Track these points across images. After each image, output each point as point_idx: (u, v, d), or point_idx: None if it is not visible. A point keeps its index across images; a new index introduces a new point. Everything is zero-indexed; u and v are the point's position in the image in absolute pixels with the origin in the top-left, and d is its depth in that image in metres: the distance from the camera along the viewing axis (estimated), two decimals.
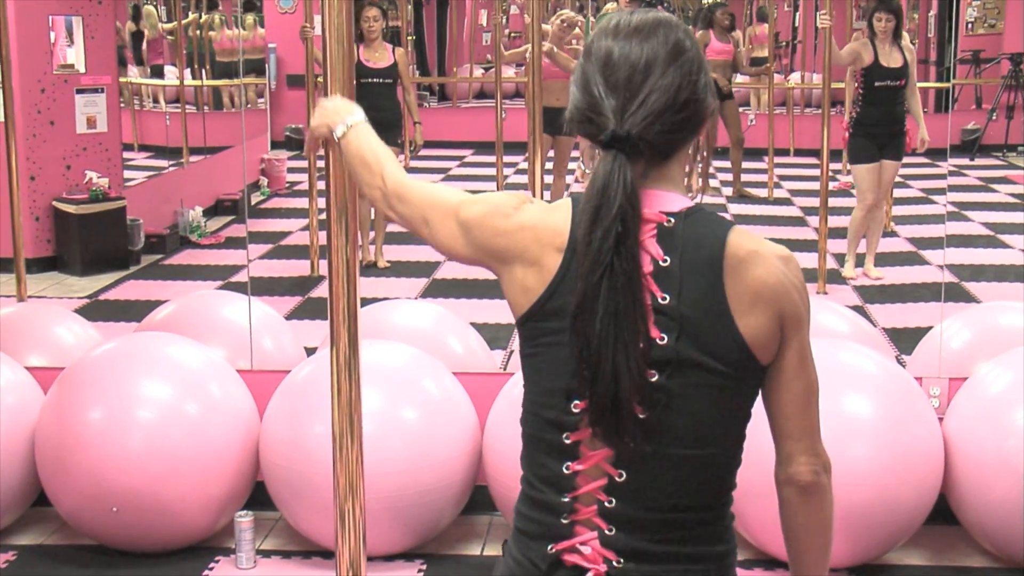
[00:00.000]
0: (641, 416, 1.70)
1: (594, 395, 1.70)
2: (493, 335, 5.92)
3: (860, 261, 7.82)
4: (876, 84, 7.44)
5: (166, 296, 6.02)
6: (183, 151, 10.07)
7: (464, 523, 4.40)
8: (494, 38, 11.56)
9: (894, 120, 7.50)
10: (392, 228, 8.43)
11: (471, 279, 7.59)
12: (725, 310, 1.71)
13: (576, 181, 9.29)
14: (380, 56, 7.77)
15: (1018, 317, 4.75)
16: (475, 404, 4.26)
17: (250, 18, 11.90)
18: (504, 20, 14.12)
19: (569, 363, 1.72)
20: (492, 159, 10.17)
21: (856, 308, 6.48)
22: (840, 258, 8.00)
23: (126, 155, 8.91)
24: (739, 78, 12.35)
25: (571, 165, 9.48)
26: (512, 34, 13.62)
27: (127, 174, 8.83)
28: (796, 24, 15.01)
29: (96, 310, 7.06)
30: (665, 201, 1.75)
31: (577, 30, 9.00)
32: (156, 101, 10.69)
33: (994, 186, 11.41)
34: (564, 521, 1.79)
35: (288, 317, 6.45)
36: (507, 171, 10.54)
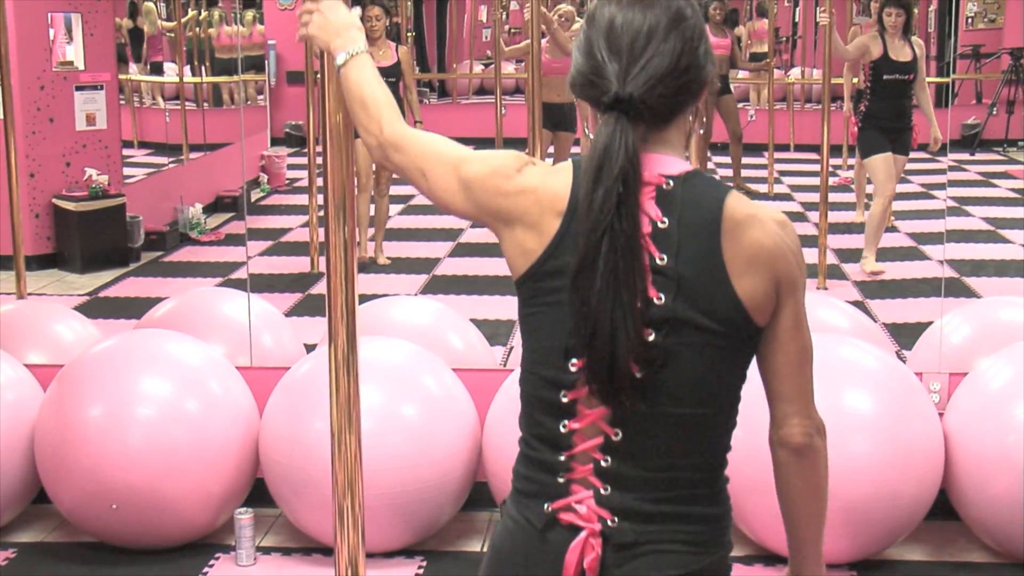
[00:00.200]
0: (637, 375, 1.72)
1: (591, 353, 1.72)
2: (493, 331, 5.92)
3: (857, 257, 7.82)
4: (885, 77, 7.46)
5: (166, 293, 6.02)
6: (183, 148, 10.07)
7: (464, 519, 4.39)
8: (494, 34, 11.56)
9: (902, 114, 7.53)
10: (392, 225, 8.44)
11: (471, 275, 7.59)
12: (722, 271, 1.74)
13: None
14: (384, 54, 7.77)
15: (1018, 312, 4.75)
16: (475, 400, 4.25)
17: (249, 14, 11.90)
18: (504, 16, 14.11)
19: (567, 322, 1.75)
20: None
21: (856, 303, 6.47)
22: (840, 253, 8.00)
23: (126, 152, 8.91)
24: (739, 74, 12.34)
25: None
26: (512, 30, 13.61)
27: (127, 171, 8.83)
28: (796, 19, 15.00)
29: (96, 307, 7.06)
30: (664, 164, 1.78)
31: (576, 25, 9.00)
32: (156, 98, 10.68)
33: (994, 181, 11.40)
34: (560, 480, 1.81)
35: (288, 314, 6.45)
36: None
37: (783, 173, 11.40)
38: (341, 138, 2.59)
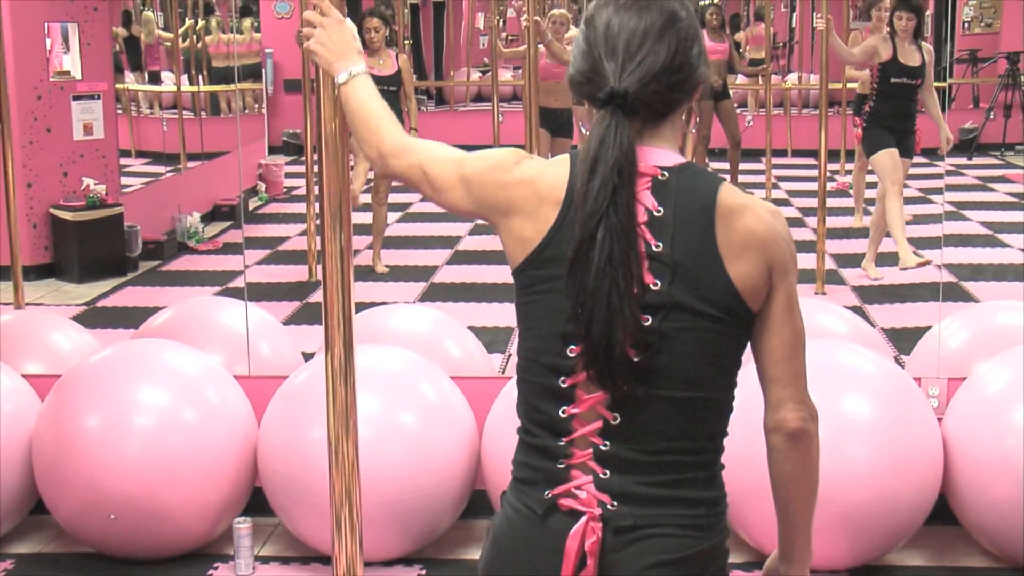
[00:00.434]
0: (635, 359, 1.78)
1: (589, 338, 1.77)
2: (491, 339, 5.92)
3: (857, 262, 7.82)
4: (892, 80, 7.43)
5: (164, 302, 6.02)
6: (180, 157, 10.07)
7: (463, 528, 4.39)
8: (491, 41, 11.56)
9: (907, 117, 7.50)
10: (390, 233, 8.44)
11: (469, 283, 7.59)
12: (716, 257, 1.79)
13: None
14: (385, 63, 7.78)
15: (1017, 316, 4.75)
16: (473, 408, 4.25)
17: (246, 23, 11.90)
18: (501, 23, 14.12)
19: (565, 309, 1.79)
20: None
21: (855, 308, 6.47)
22: (838, 259, 8.00)
23: (123, 161, 8.91)
24: (737, 79, 12.35)
25: None
26: (509, 37, 13.63)
27: (124, 180, 8.83)
28: (793, 25, 15.02)
29: (94, 317, 7.06)
30: (659, 156, 1.84)
31: (572, 30, 9.01)
32: (153, 107, 10.68)
33: (992, 185, 11.40)
34: (560, 466, 1.85)
35: (286, 322, 6.45)
36: None
37: (780, 178, 11.41)
38: (337, 146, 2.59)
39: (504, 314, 6.46)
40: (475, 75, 16.03)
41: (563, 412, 1.84)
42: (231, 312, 5.11)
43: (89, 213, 8.10)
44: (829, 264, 7.53)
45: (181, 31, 10.55)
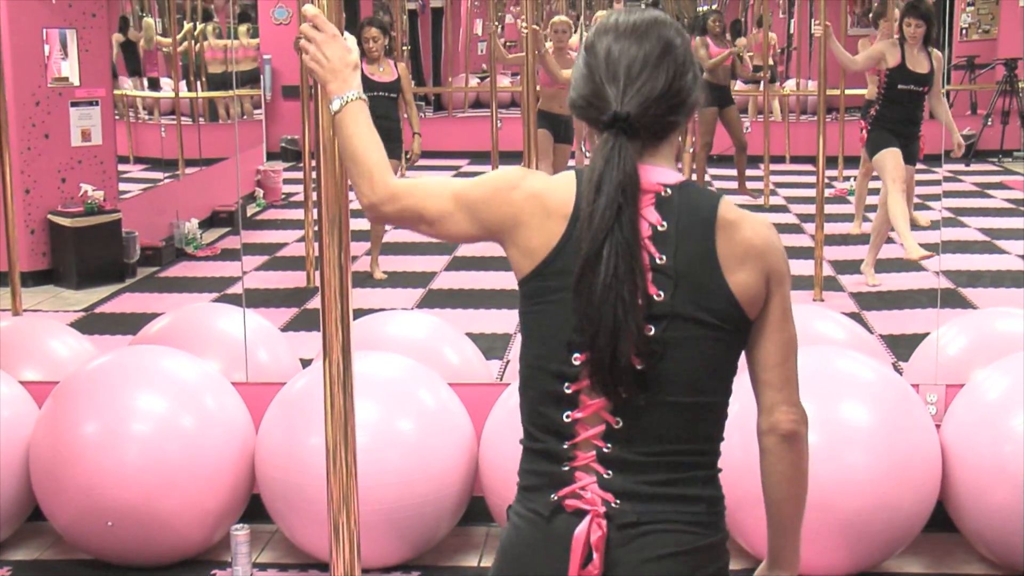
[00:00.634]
0: (639, 367, 1.86)
1: (595, 348, 1.85)
2: (489, 345, 5.92)
3: (855, 268, 7.82)
4: (899, 87, 7.40)
5: (162, 309, 6.01)
6: (179, 163, 10.08)
7: (461, 534, 4.38)
8: (489, 47, 11.57)
9: (912, 123, 7.46)
10: (388, 239, 8.43)
11: (467, 289, 7.59)
12: (716, 268, 1.89)
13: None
14: (385, 71, 7.81)
15: (1015, 323, 4.75)
16: (471, 415, 4.24)
17: (242, 28, 11.91)
18: (499, 29, 14.12)
19: (570, 319, 1.88)
20: (488, 168, 10.18)
21: (853, 315, 6.46)
22: (836, 265, 8.00)
23: (121, 167, 8.90)
24: (736, 85, 12.35)
25: None
26: (507, 43, 13.63)
27: (122, 186, 8.83)
28: (791, 31, 15.03)
29: (92, 323, 7.05)
30: (661, 174, 1.93)
31: (574, 40, 9.01)
32: (151, 113, 10.68)
33: (990, 192, 11.41)
34: (564, 468, 1.93)
35: (284, 329, 6.44)
36: None
37: (779, 185, 11.41)
38: (335, 152, 2.58)
39: (502, 320, 6.45)
40: (473, 81, 16.04)
41: (567, 417, 1.92)
42: (229, 319, 5.10)
43: (87, 219, 8.09)
44: (827, 271, 7.52)
45: (180, 36, 10.55)
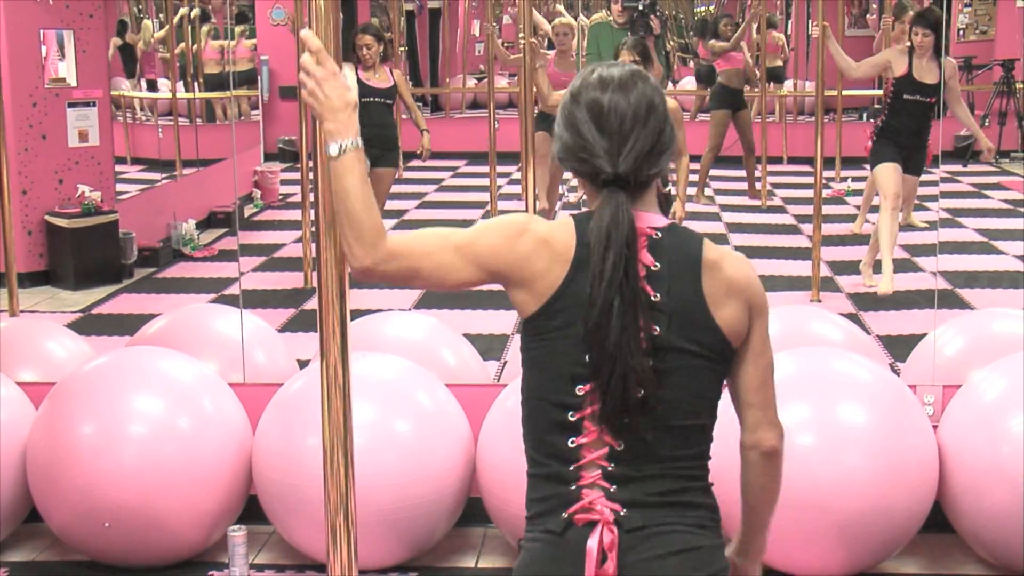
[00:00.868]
0: (639, 395, 2.02)
1: (608, 387, 2.02)
2: (486, 347, 5.92)
3: (853, 269, 7.82)
4: (905, 97, 7.25)
5: (159, 309, 6.00)
6: (176, 164, 10.07)
7: (458, 535, 4.38)
8: (487, 48, 11.57)
9: (917, 134, 7.29)
10: None
11: (464, 291, 7.57)
12: (704, 305, 2.08)
13: (563, 206, 9.17)
14: (381, 77, 7.79)
15: (1012, 324, 4.75)
16: (468, 416, 4.24)
17: (239, 29, 11.90)
18: (497, 30, 14.12)
19: (572, 353, 2.05)
20: (485, 169, 10.17)
21: (850, 316, 6.47)
22: (834, 266, 8.00)
23: (119, 168, 8.90)
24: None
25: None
26: (505, 44, 13.63)
27: (120, 187, 8.82)
28: (788, 32, 15.04)
29: (89, 324, 7.05)
30: (651, 219, 2.12)
31: (572, 41, 8.98)
32: (152, 113, 10.68)
33: (987, 192, 11.42)
34: (572, 488, 2.08)
35: (281, 330, 6.44)
36: (500, 181, 10.54)
37: (776, 185, 11.41)
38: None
39: (500, 321, 6.45)
40: (471, 82, 16.04)
41: (572, 442, 2.08)
42: (226, 320, 5.10)
43: (84, 220, 8.09)
44: (825, 272, 7.52)
45: (175, 20, 10.53)
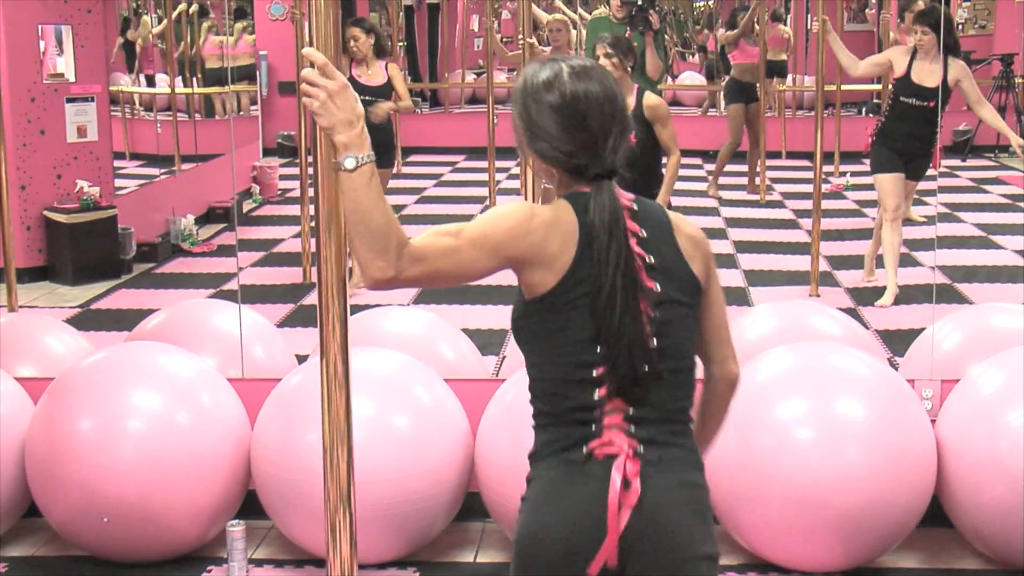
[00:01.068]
0: (651, 346, 2.25)
1: (619, 348, 2.23)
2: (485, 341, 5.92)
3: (851, 264, 7.82)
4: (902, 99, 6.95)
5: (158, 305, 6.01)
6: (175, 159, 10.07)
7: (457, 530, 4.39)
8: (486, 43, 11.55)
9: (917, 139, 6.97)
10: None
11: (463, 286, 7.57)
12: (683, 260, 2.34)
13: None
14: (374, 73, 7.50)
15: (1010, 318, 4.75)
16: (467, 411, 4.24)
17: (239, 25, 11.90)
18: (496, 25, 14.11)
19: (587, 320, 2.24)
20: (484, 164, 10.18)
21: (849, 310, 6.47)
22: (832, 260, 8.00)
23: (117, 163, 8.90)
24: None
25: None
26: (504, 39, 13.62)
27: (118, 182, 8.82)
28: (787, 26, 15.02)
29: (88, 319, 7.05)
30: (623, 193, 2.33)
31: (574, 33, 8.97)
32: (152, 108, 10.68)
33: (986, 187, 11.43)
34: (593, 428, 2.26)
35: (280, 325, 6.44)
36: (499, 176, 10.55)
37: (775, 180, 11.42)
38: (332, 147, 2.58)
39: (498, 317, 6.45)
40: (470, 77, 16.03)
41: (597, 394, 2.25)
42: (225, 315, 5.10)
43: (83, 215, 8.09)
44: (823, 266, 7.53)
45: (174, 14, 10.53)
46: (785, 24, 13.46)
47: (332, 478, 2.68)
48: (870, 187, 7.80)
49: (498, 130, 9.65)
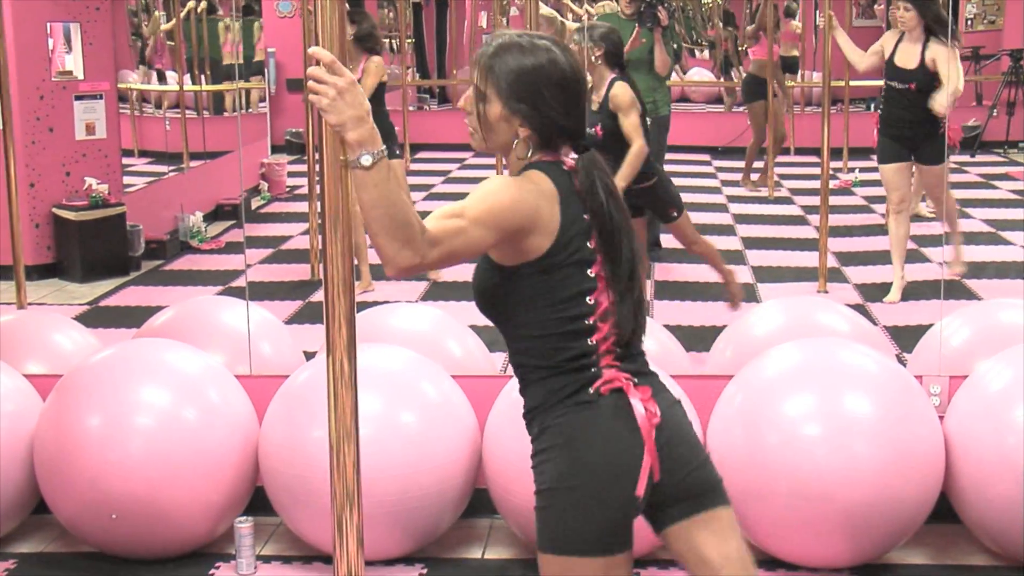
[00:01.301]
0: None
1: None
2: (492, 338, 5.89)
3: (860, 260, 7.80)
4: (887, 82, 6.79)
5: (167, 302, 6.01)
6: (183, 156, 10.08)
7: (464, 527, 4.39)
8: None
9: (910, 123, 6.78)
10: None
11: (470, 282, 7.57)
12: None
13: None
14: (354, 70, 7.40)
15: (1019, 314, 4.74)
16: (474, 407, 4.25)
17: (256, 24, 11.91)
18: (505, 22, 14.11)
19: (579, 273, 2.44)
20: (492, 161, 10.17)
21: (857, 307, 6.46)
22: (840, 256, 7.98)
23: (126, 161, 8.91)
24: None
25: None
26: None
27: (127, 180, 8.84)
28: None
29: (97, 317, 7.06)
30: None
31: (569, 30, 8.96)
32: (161, 104, 10.69)
33: (995, 183, 11.40)
34: (593, 370, 2.47)
35: (288, 322, 6.45)
36: (506, 172, 10.54)
37: (783, 176, 11.40)
38: (339, 145, 2.58)
39: None
40: None
41: (591, 340, 2.46)
42: (233, 312, 5.10)
43: (91, 213, 8.10)
44: (832, 262, 7.51)
45: (183, 13, 10.54)
46: (799, 19, 13.48)
47: (339, 476, 2.69)
48: (879, 183, 7.78)
49: None
